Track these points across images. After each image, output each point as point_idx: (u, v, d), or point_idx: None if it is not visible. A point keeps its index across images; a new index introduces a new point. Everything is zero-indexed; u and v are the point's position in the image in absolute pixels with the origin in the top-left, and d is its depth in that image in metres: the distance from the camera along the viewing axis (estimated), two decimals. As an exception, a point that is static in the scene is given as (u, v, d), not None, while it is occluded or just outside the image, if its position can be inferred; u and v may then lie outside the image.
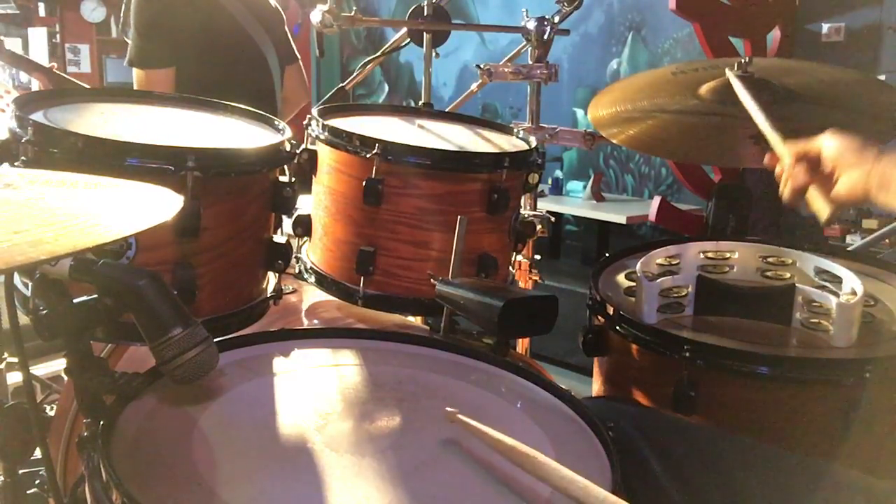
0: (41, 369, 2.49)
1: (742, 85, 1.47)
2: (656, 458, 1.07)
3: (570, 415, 1.05)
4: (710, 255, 1.61)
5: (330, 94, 2.20)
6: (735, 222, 3.57)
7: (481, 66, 2.04)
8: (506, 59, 2.25)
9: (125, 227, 0.78)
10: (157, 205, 0.87)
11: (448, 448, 0.94)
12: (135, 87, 2.33)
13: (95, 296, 0.92)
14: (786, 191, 1.15)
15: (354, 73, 2.30)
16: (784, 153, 1.17)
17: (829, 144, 1.11)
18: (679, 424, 1.26)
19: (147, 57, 2.31)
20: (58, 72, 2.46)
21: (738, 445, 1.17)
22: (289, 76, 2.66)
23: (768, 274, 1.59)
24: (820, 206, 1.11)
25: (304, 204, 1.49)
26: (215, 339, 0.97)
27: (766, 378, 1.29)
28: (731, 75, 1.54)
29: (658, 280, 1.44)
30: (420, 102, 2.02)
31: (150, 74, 2.31)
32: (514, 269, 1.67)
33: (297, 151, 1.40)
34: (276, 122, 1.44)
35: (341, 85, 2.23)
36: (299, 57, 2.71)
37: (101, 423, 0.88)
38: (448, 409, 0.95)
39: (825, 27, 3.97)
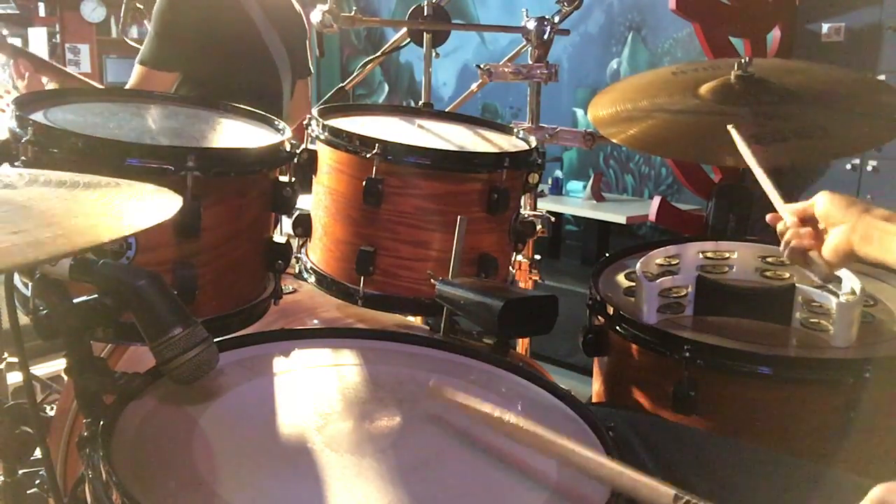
0: (41, 369, 2.49)
1: (744, 142, 1.40)
2: (652, 461, 1.07)
3: (571, 415, 1.05)
4: (709, 255, 1.61)
5: (330, 94, 2.20)
6: (735, 222, 3.56)
7: (481, 66, 2.05)
8: (506, 59, 2.25)
9: (125, 227, 0.78)
10: (157, 205, 0.87)
11: (448, 447, 0.94)
12: (133, 82, 2.33)
13: (95, 296, 0.92)
14: (786, 251, 1.19)
15: (354, 73, 2.30)
16: (787, 214, 1.21)
17: (819, 203, 1.15)
18: (675, 428, 1.27)
19: (160, 59, 2.31)
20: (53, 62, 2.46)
21: (734, 449, 1.17)
22: (297, 89, 2.65)
23: (768, 274, 1.59)
24: (818, 263, 1.16)
25: (304, 204, 1.49)
26: (215, 339, 0.97)
27: (766, 378, 1.29)
28: (733, 132, 1.43)
29: (658, 280, 1.44)
30: (420, 102, 2.02)
31: (155, 75, 2.31)
32: (514, 269, 1.67)
33: (297, 151, 1.40)
34: (276, 122, 1.45)
35: (341, 85, 2.23)
36: (312, 73, 2.70)
37: (101, 423, 0.88)
38: (432, 383, 0.96)
39: (825, 27, 3.96)
